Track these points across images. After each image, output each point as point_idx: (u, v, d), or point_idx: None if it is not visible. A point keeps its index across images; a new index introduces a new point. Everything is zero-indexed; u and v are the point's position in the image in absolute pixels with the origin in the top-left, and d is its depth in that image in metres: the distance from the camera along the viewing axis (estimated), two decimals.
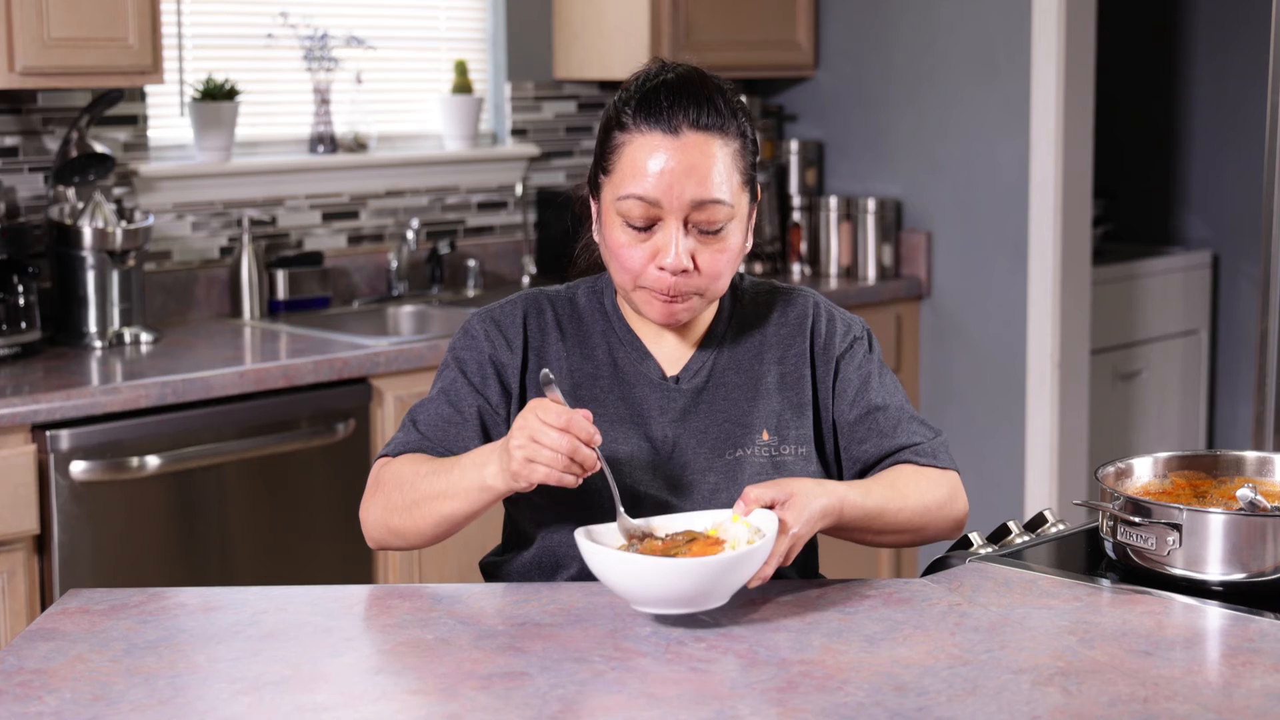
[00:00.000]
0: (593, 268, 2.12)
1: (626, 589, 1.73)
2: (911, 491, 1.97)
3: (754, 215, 2.00)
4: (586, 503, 1.93)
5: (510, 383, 2.01)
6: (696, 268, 1.91)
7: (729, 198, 1.90)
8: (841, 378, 2.03)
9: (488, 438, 1.99)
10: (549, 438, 1.75)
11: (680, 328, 2.02)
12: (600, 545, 1.74)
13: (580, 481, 1.78)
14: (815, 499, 1.84)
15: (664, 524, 1.84)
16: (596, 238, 2.01)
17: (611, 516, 1.86)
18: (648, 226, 1.90)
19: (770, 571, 1.77)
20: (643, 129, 1.90)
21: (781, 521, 1.79)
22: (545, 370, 1.82)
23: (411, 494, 1.91)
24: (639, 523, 1.84)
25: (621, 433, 1.98)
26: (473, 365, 2.01)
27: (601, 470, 1.80)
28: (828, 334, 2.05)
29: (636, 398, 2.00)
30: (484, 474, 1.83)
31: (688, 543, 1.78)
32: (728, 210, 1.91)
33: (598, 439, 1.77)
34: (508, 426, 2.00)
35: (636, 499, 1.95)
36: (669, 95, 1.90)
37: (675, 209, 1.89)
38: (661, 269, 1.90)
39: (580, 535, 1.76)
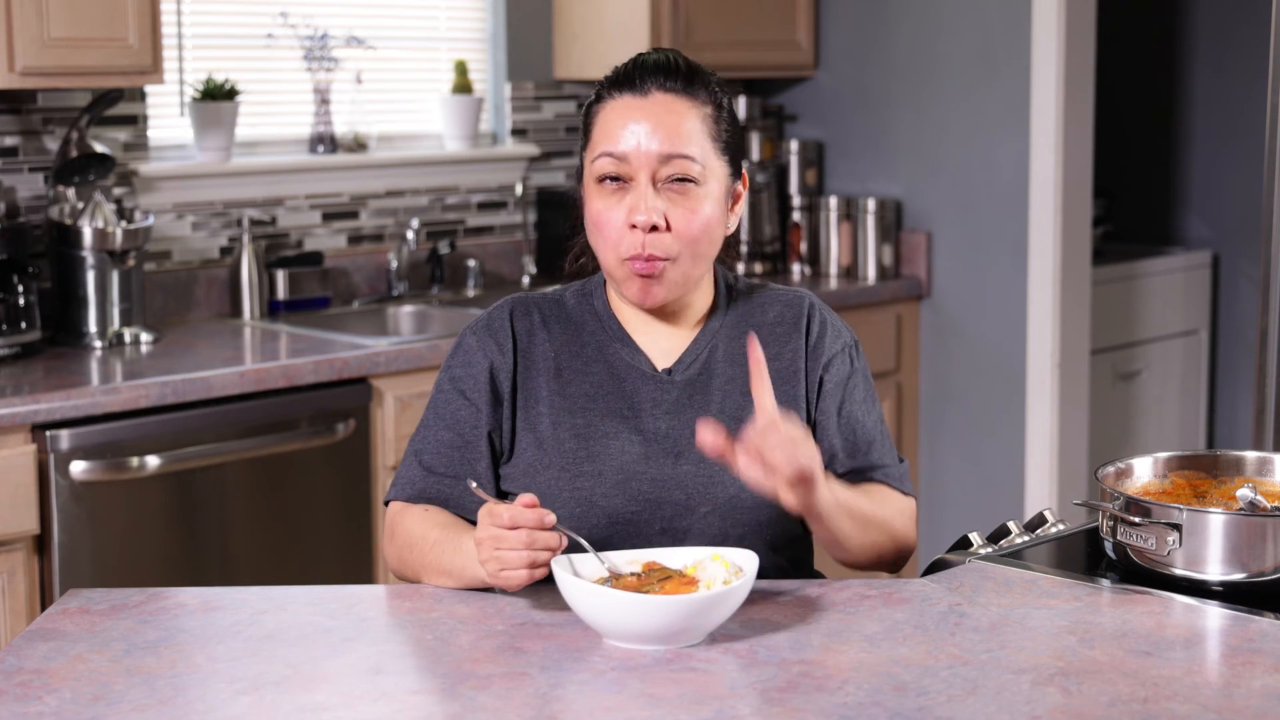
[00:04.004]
0: (582, 272, 2.13)
1: (595, 622, 1.72)
2: (884, 504, 2.01)
3: (737, 198, 2.02)
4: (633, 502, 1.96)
5: (503, 386, 2.02)
6: (668, 227, 1.93)
7: (697, 155, 1.94)
8: (829, 382, 2.04)
9: (494, 455, 2.01)
10: (506, 541, 1.77)
11: (673, 321, 2.03)
12: (573, 577, 1.74)
13: (546, 571, 1.78)
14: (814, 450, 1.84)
15: (661, 558, 1.83)
16: (587, 226, 2.02)
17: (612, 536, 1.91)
18: (620, 183, 1.94)
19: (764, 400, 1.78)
20: (614, 95, 1.97)
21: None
22: (468, 480, 1.90)
23: (421, 561, 1.95)
24: (626, 557, 1.83)
25: (614, 426, 1.98)
26: (469, 381, 2.02)
27: (572, 541, 1.81)
28: (819, 334, 2.06)
29: (628, 391, 2.00)
30: (475, 572, 1.86)
31: (661, 580, 1.77)
32: (697, 168, 1.94)
33: (550, 519, 1.77)
34: (510, 433, 2.01)
35: (631, 495, 1.95)
36: (642, 66, 1.98)
37: (643, 163, 1.93)
38: (634, 226, 1.92)
39: (557, 565, 1.76)
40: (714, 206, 1.96)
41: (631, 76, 1.97)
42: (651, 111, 1.94)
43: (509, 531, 1.76)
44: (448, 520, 1.97)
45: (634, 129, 1.93)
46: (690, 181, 1.94)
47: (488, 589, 1.90)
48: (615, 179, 1.94)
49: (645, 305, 1.98)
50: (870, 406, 2.07)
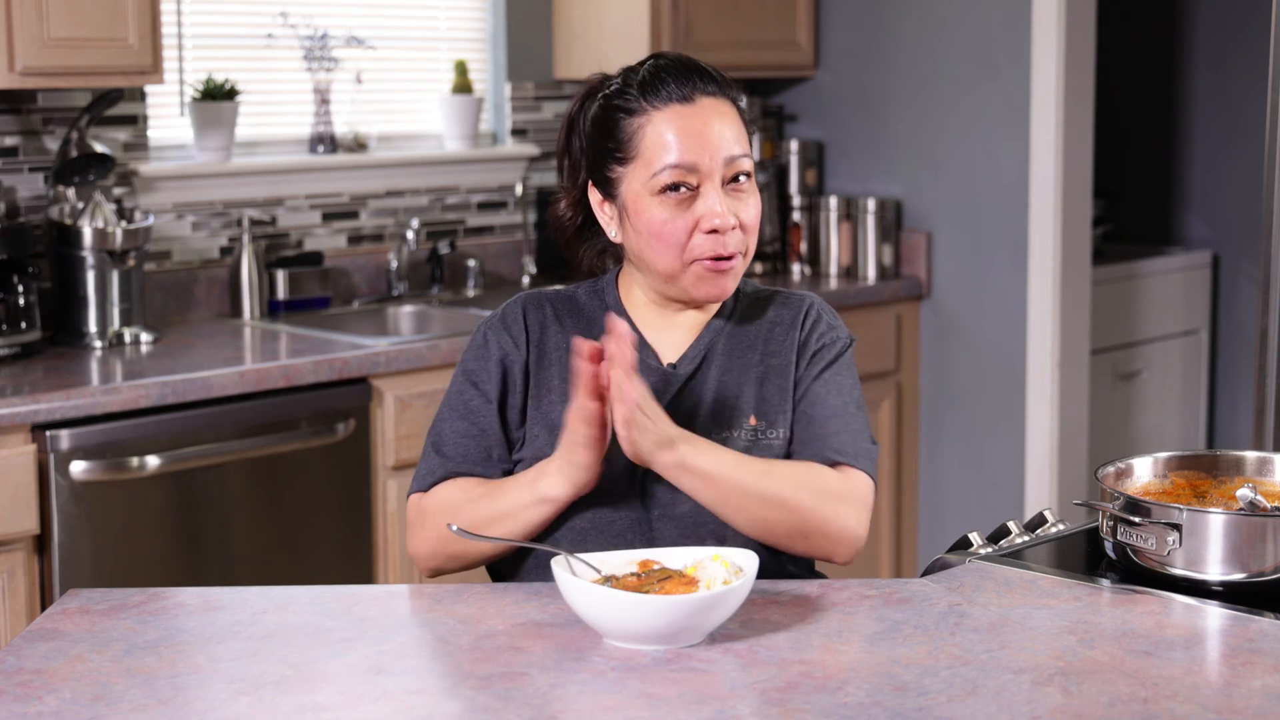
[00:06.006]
0: (594, 271, 2.15)
1: (595, 622, 1.72)
2: (786, 474, 1.94)
3: None
4: (599, 508, 1.98)
5: (516, 379, 2.05)
6: (740, 224, 1.99)
7: (748, 150, 2.02)
8: (809, 366, 2.06)
9: (509, 445, 2.04)
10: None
11: (683, 319, 2.07)
12: (573, 577, 1.74)
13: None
14: (662, 420, 1.90)
15: (661, 558, 1.83)
16: (617, 238, 2.04)
17: (615, 532, 1.94)
18: (685, 192, 1.97)
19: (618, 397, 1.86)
20: (657, 106, 1.98)
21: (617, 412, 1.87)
22: (448, 525, 1.92)
23: (467, 518, 1.96)
24: (625, 558, 1.83)
25: None
26: (482, 374, 2.06)
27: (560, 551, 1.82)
28: (812, 328, 2.09)
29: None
30: (539, 488, 1.93)
31: (661, 580, 1.77)
32: (749, 163, 2.01)
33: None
34: (521, 423, 2.04)
35: (635, 480, 1.99)
36: (672, 72, 2.00)
37: (711, 169, 1.97)
38: (711, 231, 1.97)
39: (557, 566, 1.76)
40: (758, 195, 2.04)
41: (668, 84, 1.98)
42: (706, 118, 1.98)
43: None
44: (482, 482, 2.00)
45: (696, 138, 1.97)
46: (748, 177, 2.01)
47: (504, 580, 1.91)
48: (677, 188, 1.97)
49: (716, 298, 2.04)
50: (838, 388, 2.04)
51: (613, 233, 2.05)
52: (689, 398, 2.03)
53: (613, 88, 2.02)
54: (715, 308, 2.09)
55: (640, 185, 1.98)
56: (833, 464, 1.99)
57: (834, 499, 1.95)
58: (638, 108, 1.99)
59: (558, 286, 2.15)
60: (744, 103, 2.05)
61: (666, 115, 1.98)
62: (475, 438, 2.04)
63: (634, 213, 2.00)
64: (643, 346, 2.06)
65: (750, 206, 2.01)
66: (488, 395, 2.04)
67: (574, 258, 2.16)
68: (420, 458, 2.08)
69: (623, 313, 2.08)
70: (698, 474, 1.91)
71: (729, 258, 1.99)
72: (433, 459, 2.05)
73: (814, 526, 1.94)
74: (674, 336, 2.07)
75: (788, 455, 2.03)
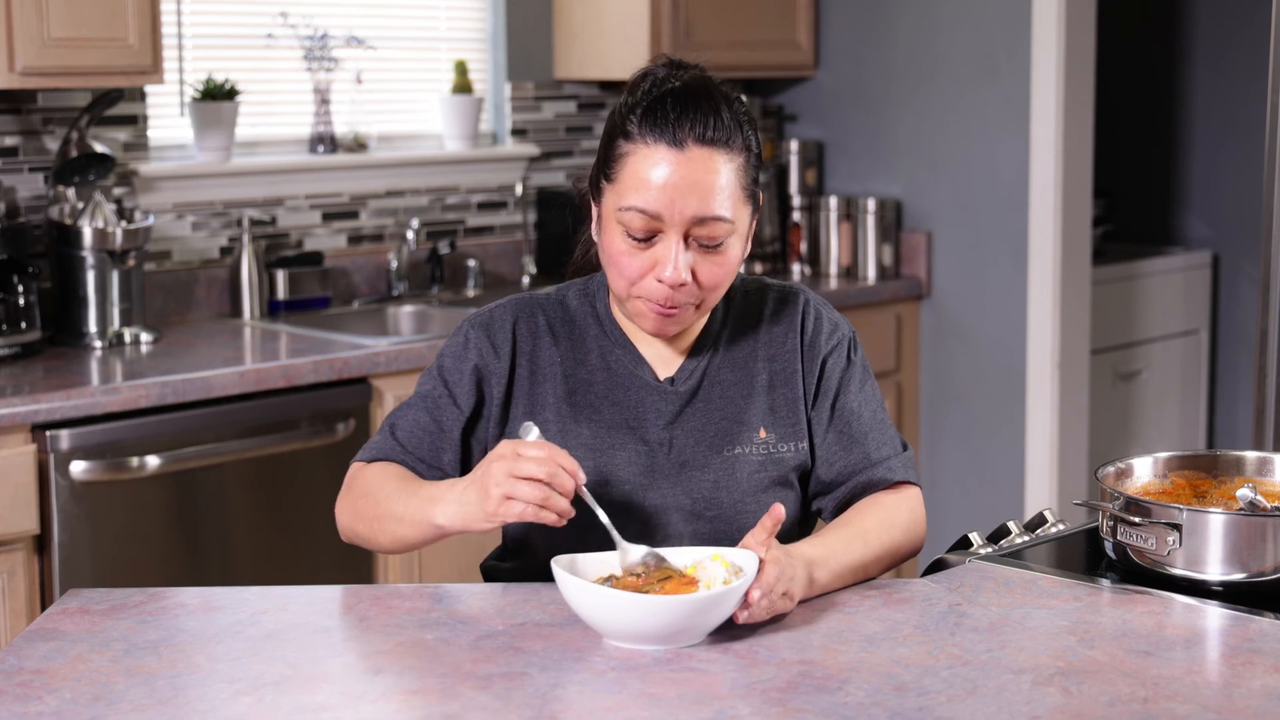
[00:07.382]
0: (589, 266, 2.12)
1: (595, 622, 1.72)
2: (875, 530, 1.97)
3: (754, 225, 2.00)
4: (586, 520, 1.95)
5: (493, 390, 2.01)
6: (695, 280, 1.91)
7: (730, 213, 1.89)
8: (825, 377, 2.04)
9: (466, 448, 2.01)
10: (527, 468, 1.74)
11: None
12: (573, 576, 1.73)
13: (563, 520, 1.77)
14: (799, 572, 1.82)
15: (671, 556, 1.82)
16: (595, 237, 2.01)
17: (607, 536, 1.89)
18: (648, 238, 1.90)
19: (750, 615, 1.75)
20: (648, 140, 1.88)
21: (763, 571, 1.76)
22: (527, 424, 1.85)
23: (375, 508, 1.94)
24: (638, 554, 1.82)
25: (618, 437, 1.98)
26: (455, 374, 2.02)
27: (587, 506, 1.80)
28: (814, 331, 2.06)
29: (632, 401, 2.00)
30: (432, 512, 1.85)
31: (661, 580, 1.77)
32: (728, 226, 1.90)
33: (581, 476, 1.77)
34: (486, 434, 2.02)
35: (636, 502, 1.96)
36: (676, 106, 1.89)
37: (676, 223, 1.88)
38: (660, 281, 1.90)
39: (556, 565, 1.75)
40: (738, 249, 1.94)
41: (667, 122, 1.88)
42: (688, 170, 1.87)
43: (534, 463, 1.74)
44: (407, 474, 1.97)
45: (669, 188, 1.86)
46: (721, 239, 1.91)
47: (498, 580, 1.90)
48: (638, 228, 1.89)
49: (656, 334, 1.98)
50: (867, 397, 2.05)
51: (594, 230, 2.01)
52: (692, 417, 2.00)
53: (630, 97, 1.94)
54: (706, 315, 2.04)
55: (611, 209, 1.92)
56: (888, 483, 2.03)
57: (911, 525, 2.03)
58: (633, 133, 1.90)
59: (549, 289, 2.10)
60: (751, 149, 1.93)
61: (652, 154, 1.87)
62: (432, 433, 2.00)
63: (604, 229, 1.95)
64: (636, 360, 2.02)
65: (713, 267, 1.91)
66: (455, 398, 2.01)
67: (583, 215, 2.09)
68: (377, 430, 2.05)
69: (612, 321, 2.03)
70: (831, 585, 1.89)
71: (674, 308, 1.92)
72: (386, 438, 2.02)
73: (905, 555, 2.02)
74: (666, 348, 2.02)
75: (808, 468, 2.03)
